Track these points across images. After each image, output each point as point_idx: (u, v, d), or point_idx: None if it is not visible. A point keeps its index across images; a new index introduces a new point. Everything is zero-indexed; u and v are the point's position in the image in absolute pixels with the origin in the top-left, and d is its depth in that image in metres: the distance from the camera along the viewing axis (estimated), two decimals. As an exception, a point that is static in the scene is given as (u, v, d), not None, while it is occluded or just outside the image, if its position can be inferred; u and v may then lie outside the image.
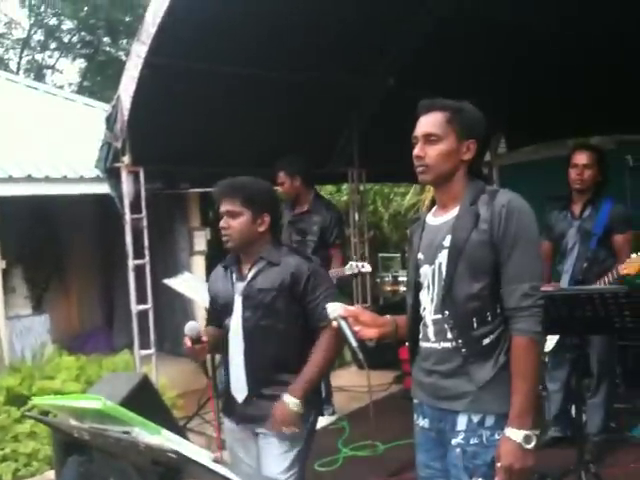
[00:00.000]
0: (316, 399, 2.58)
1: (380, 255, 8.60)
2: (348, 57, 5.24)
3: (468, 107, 2.13)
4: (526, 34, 5.18)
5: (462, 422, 2.04)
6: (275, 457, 2.51)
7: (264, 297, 2.53)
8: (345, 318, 2.10)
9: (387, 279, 6.36)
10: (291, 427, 2.51)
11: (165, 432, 1.53)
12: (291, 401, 2.48)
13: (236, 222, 2.53)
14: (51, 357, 5.70)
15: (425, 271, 2.15)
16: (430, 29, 5.34)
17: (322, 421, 4.59)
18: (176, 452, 1.40)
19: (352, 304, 6.55)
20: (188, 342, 2.48)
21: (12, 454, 4.36)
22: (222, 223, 2.56)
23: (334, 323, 2.11)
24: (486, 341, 2.02)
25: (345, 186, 7.73)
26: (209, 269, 7.22)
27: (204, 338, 2.52)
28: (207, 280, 2.88)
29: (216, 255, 7.85)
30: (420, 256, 2.18)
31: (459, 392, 2.04)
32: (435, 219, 2.17)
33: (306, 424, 2.56)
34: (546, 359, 4.12)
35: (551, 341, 3.81)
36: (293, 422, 2.50)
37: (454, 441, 2.04)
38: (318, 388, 2.59)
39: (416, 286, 2.20)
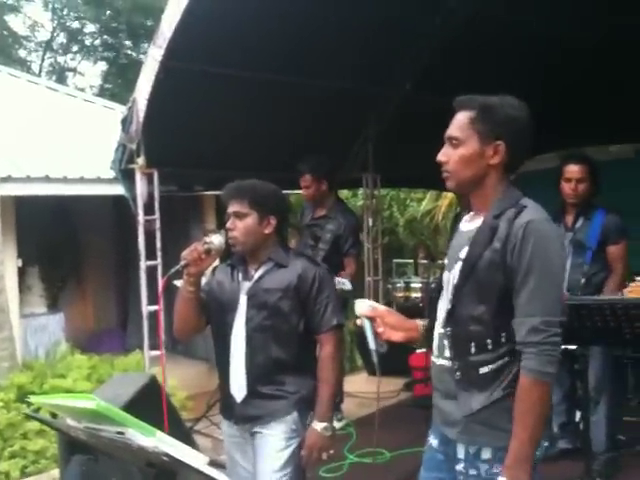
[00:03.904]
0: (313, 401, 2.56)
1: (395, 261, 8.57)
2: (364, 62, 5.23)
3: (500, 102, 1.91)
4: (546, 40, 5.13)
5: (461, 451, 1.92)
6: (269, 455, 2.51)
7: (270, 297, 2.54)
8: (371, 318, 2.02)
9: (399, 285, 6.35)
10: (328, 451, 2.54)
11: (160, 434, 1.53)
12: (321, 426, 2.51)
13: (242, 223, 2.55)
14: (64, 356, 5.75)
15: (446, 278, 2.00)
16: (447, 33, 5.30)
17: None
18: (168, 455, 1.40)
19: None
20: (200, 246, 2.45)
21: (21, 451, 4.39)
22: (229, 224, 2.58)
23: (358, 322, 2.05)
24: (483, 370, 1.84)
25: (361, 191, 7.71)
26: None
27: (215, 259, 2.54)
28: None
29: (230, 257, 7.90)
30: (446, 261, 2.04)
31: (451, 419, 1.93)
32: (465, 225, 2.00)
33: (304, 424, 2.55)
34: None
35: None
36: (328, 446, 2.54)
37: (457, 468, 1.93)
38: (313, 393, 2.57)
39: (439, 292, 2.06)
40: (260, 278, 2.59)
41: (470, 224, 1.97)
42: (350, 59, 5.10)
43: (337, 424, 4.89)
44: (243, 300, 2.59)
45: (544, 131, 6.54)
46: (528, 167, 7.09)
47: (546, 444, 4.17)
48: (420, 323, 2.11)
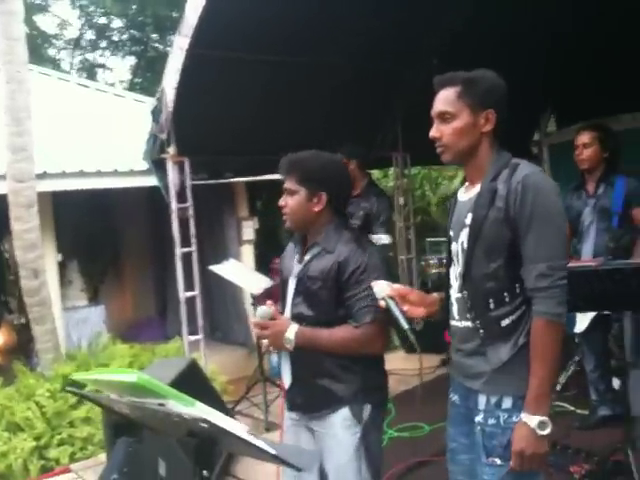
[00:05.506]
0: (366, 392, 2.42)
1: (428, 240, 8.53)
2: (390, 38, 5.19)
3: (481, 75, 2.03)
4: (573, 10, 5.05)
5: (482, 402, 2.03)
6: (336, 460, 2.39)
7: (311, 285, 2.39)
8: (393, 298, 2.07)
9: (432, 261, 6.36)
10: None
11: (199, 404, 1.57)
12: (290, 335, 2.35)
13: (292, 200, 2.42)
14: (105, 346, 5.86)
15: (454, 248, 2.12)
16: (475, 7, 5.23)
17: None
18: (207, 421, 1.44)
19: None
20: (257, 326, 2.39)
21: (69, 439, 4.52)
22: (281, 201, 2.46)
23: (382, 303, 2.07)
24: (505, 322, 1.96)
25: (391, 171, 7.69)
26: (258, 258, 7.31)
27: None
28: (256, 268, 2.80)
29: (264, 244, 7.98)
30: (451, 233, 2.15)
31: (477, 372, 2.03)
32: (464, 195, 2.12)
33: (357, 416, 2.39)
34: (576, 340, 4.08)
35: (583, 322, 3.75)
36: None
37: (476, 419, 2.04)
38: (366, 383, 2.41)
39: (449, 263, 2.17)
40: (308, 263, 2.43)
41: (467, 194, 2.09)
42: (376, 37, 5.07)
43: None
44: (292, 284, 2.48)
45: (575, 102, 6.46)
46: (559, 139, 6.98)
47: (586, 412, 4.15)
48: (437, 297, 2.20)
